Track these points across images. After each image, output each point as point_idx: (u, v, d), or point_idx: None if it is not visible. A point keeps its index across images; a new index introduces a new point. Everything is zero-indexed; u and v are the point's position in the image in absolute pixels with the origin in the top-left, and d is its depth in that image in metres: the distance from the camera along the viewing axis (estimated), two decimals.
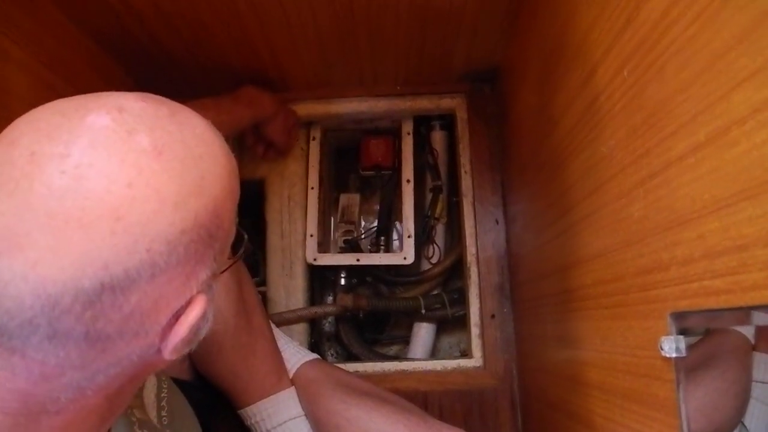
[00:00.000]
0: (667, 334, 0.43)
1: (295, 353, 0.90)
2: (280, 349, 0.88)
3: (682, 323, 0.42)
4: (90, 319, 0.34)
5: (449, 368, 1.01)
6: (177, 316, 0.39)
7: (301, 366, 0.87)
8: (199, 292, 0.40)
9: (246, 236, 0.49)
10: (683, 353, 0.41)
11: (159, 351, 0.40)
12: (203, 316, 0.40)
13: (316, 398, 0.82)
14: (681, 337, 0.41)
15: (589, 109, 0.58)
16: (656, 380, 0.46)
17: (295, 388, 0.85)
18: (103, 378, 0.39)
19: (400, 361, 1.03)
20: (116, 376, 0.39)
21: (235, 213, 0.44)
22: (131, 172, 0.35)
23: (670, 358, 0.42)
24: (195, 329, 0.40)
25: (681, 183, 0.41)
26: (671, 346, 0.42)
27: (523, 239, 0.93)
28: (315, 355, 0.91)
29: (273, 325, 0.92)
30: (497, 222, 1.04)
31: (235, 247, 0.47)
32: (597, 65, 0.55)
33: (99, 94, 0.38)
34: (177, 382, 0.73)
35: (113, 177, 0.34)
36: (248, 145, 1.11)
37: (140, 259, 0.35)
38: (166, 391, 0.66)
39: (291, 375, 0.86)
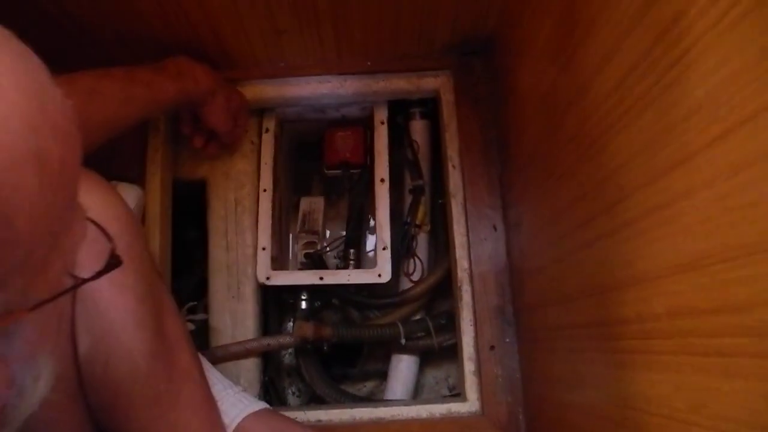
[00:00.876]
0: None
1: (236, 403, 0.73)
2: (216, 398, 0.71)
3: None
4: None
5: (437, 415, 0.80)
6: None
7: (244, 419, 0.71)
8: None
9: (110, 237, 0.31)
10: None
11: None
12: None
13: None
14: None
15: (658, 42, 0.37)
16: None
17: None
18: None
19: (375, 406, 0.83)
20: None
21: (70, 201, 0.28)
22: None
23: None
24: None
25: None
26: None
27: (531, 249, 0.73)
28: (263, 404, 0.75)
29: (209, 366, 0.76)
30: (495, 228, 0.85)
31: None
32: None
33: None
34: None
35: None
36: (184, 135, 0.89)
37: None
38: None
39: None
